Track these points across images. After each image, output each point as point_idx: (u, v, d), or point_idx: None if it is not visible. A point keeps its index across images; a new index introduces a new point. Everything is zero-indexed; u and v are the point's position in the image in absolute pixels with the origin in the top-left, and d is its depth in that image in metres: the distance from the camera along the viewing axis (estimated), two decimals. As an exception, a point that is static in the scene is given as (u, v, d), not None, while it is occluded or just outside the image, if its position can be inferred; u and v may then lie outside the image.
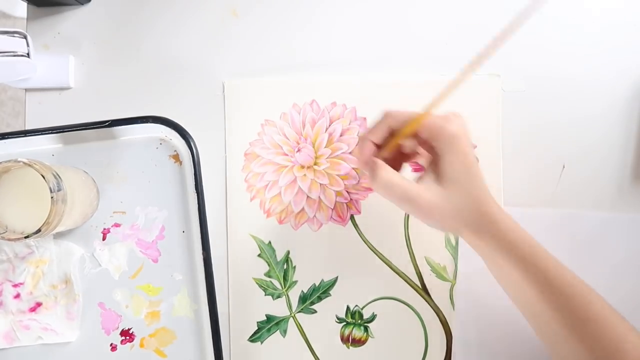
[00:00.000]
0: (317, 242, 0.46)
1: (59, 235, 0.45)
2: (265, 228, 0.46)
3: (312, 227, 0.46)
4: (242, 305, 0.45)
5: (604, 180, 0.45)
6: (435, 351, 0.45)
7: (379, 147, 0.38)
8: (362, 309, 0.45)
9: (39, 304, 0.45)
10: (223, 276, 0.45)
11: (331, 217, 0.46)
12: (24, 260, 0.45)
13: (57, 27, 0.48)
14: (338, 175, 0.46)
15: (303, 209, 0.46)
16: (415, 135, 0.37)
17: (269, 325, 0.45)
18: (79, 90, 0.47)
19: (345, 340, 0.45)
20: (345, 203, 0.46)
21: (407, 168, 0.42)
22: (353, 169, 0.46)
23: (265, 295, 0.45)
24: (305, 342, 0.45)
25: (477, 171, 0.35)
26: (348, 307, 0.45)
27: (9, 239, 0.37)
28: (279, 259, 0.46)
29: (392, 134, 0.37)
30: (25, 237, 0.36)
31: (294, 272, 0.46)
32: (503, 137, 0.45)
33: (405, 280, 0.45)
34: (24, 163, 0.36)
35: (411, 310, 0.45)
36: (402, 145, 0.38)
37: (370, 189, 0.46)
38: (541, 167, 0.45)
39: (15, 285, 0.45)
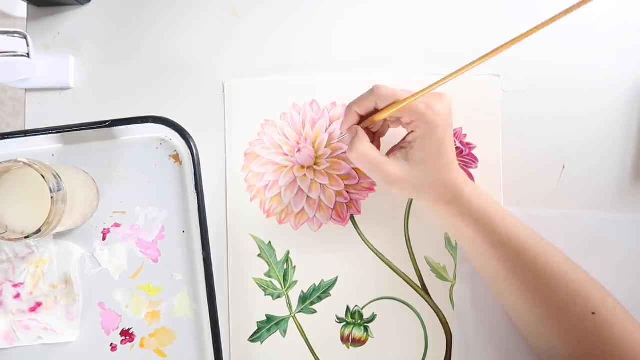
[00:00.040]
0: (317, 242, 0.46)
1: (59, 235, 0.45)
2: (265, 228, 0.46)
3: (312, 227, 0.46)
4: (242, 305, 0.45)
5: (604, 180, 0.45)
6: (435, 351, 0.45)
7: (364, 117, 0.40)
8: (362, 309, 0.45)
9: (39, 304, 0.45)
10: (223, 276, 0.45)
11: (331, 217, 0.46)
12: (24, 260, 0.45)
13: (57, 27, 0.48)
14: (338, 175, 0.46)
15: (303, 209, 0.46)
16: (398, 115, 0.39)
17: (269, 325, 0.45)
18: (79, 90, 0.47)
19: (345, 340, 0.45)
20: (345, 203, 0.46)
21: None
22: (353, 168, 0.46)
23: (265, 295, 0.45)
24: (305, 342, 0.45)
25: (448, 156, 0.38)
26: (348, 307, 0.45)
27: (9, 239, 0.37)
28: (279, 259, 0.46)
29: (377, 109, 0.39)
30: (25, 237, 0.36)
31: (294, 272, 0.46)
32: (503, 137, 0.45)
33: (405, 280, 0.45)
34: (24, 163, 0.36)
35: (411, 310, 0.45)
36: (385, 120, 0.40)
37: (371, 189, 0.46)
38: (541, 167, 0.45)
39: (15, 285, 0.45)
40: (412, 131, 0.39)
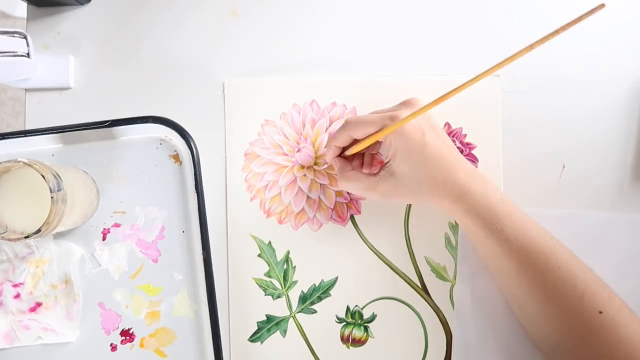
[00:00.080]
0: (317, 242, 0.46)
1: (59, 235, 0.45)
2: (265, 228, 0.46)
3: (312, 227, 0.46)
4: (242, 305, 0.45)
5: (604, 180, 0.45)
6: (435, 351, 0.45)
7: (346, 147, 0.42)
8: (362, 309, 0.45)
9: (39, 304, 0.45)
10: (223, 276, 0.45)
11: (331, 217, 0.46)
12: (24, 260, 0.45)
13: (57, 27, 0.48)
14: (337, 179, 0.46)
15: (303, 209, 0.46)
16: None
17: (269, 325, 0.45)
18: (79, 90, 0.47)
19: (345, 340, 0.45)
20: (345, 203, 0.46)
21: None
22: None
23: (265, 295, 0.45)
24: (305, 342, 0.45)
25: (439, 157, 0.38)
26: (348, 307, 0.45)
27: (9, 239, 0.37)
28: (279, 259, 0.46)
29: (355, 138, 0.41)
30: (25, 237, 0.36)
31: (294, 272, 0.46)
32: (503, 137, 0.45)
33: (405, 280, 0.45)
34: (24, 163, 0.36)
35: (411, 310, 0.45)
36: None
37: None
38: (541, 167, 0.45)
39: (15, 285, 0.45)
40: (391, 146, 0.39)
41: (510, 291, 0.40)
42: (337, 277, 0.45)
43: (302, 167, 0.46)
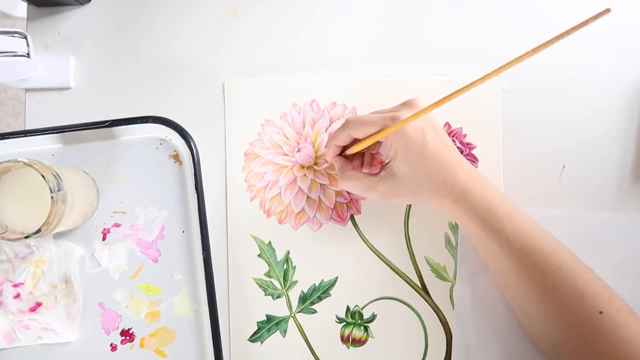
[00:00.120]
0: (317, 242, 0.46)
1: (59, 235, 0.45)
2: (265, 228, 0.46)
3: (312, 227, 0.46)
4: (242, 305, 0.45)
5: (604, 180, 0.45)
6: (435, 351, 0.45)
7: (346, 147, 0.42)
8: (362, 309, 0.45)
9: (39, 304, 0.45)
10: (223, 276, 0.45)
11: (331, 217, 0.46)
12: (24, 260, 0.45)
13: (57, 27, 0.48)
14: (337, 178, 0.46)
15: (303, 209, 0.46)
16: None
17: (269, 325, 0.45)
18: (79, 90, 0.47)
19: (345, 340, 0.45)
20: (345, 203, 0.46)
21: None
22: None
23: (265, 295, 0.45)
24: (305, 342, 0.45)
25: (439, 157, 0.38)
26: (348, 307, 0.45)
27: (9, 239, 0.37)
28: (279, 259, 0.46)
29: (356, 138, 0.41)
30: (25, 237, 0.36)
31: (294, 272, 0.46)
32: (503, 137, 0.45)
33: (405, 280, 0.45)
34: (24, 163, 0.36)
35: (411, 310, 0.45)
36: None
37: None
38: (541, 167, 0.45)
39: (15, 285, 0.45)
40: (391, 146, 0.39)
41: (511, 291, 0.40)
42: (337, 277, 0.45)
43: (302, 167, 0.46)
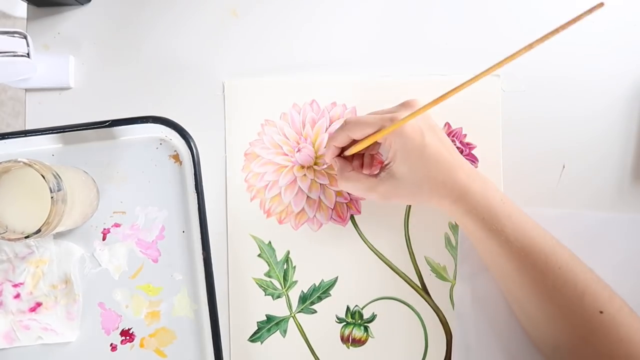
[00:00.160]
0: (317, 242, 0.46)
1: (59, 235, 0.45)
2: (265, 228, 0.46)
3: (312, 227, 0.46)
4: (242, 305, 0.45)
5: (604, 180, 0.45)
6: (435, 351, 0.45)
7: (345, 148, 0.42)
8: (362, 309, 0.45)
9: (39, 304, 0.45)
10: (223, 276, 0.45)
11: (331, 217, 0.46)
12: (24, 260, 0.45)
13: (57, 27, 0.48)
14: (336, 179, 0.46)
15: (303, 209, 0.46)
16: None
17: (269, 325, 0.45)
18: (79, 90, 0.47)
19: (345, 340, 0.45)
20: (345, 203, 0.46)
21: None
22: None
23: (265, 295, 0.45)
24: (305, 342, 0.45)
25: (438, 158, 0.38)
26: (348, 307, 0.45)
27: (9, 239, 0.37)
28: (279, 259, 0.46)
29: (354, 139, 0.41)
30: (25, 237, 0.36)
31: (294, 272, 0.46)
32: (503, 137, 0.45)
33: (405, 280, 0.45)
34: (24, 163, 0.36)
35: (411, 310, 0.45)
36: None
37: (370, 189, 0.46)
38: (541, 167, 0.45)
39: (15, 285, 0.45)
40: (390, 147, 0.39)
41: (511, 292, 0.40)
42: (337, 277, 0.45)
43: (302, 167, 0.46)
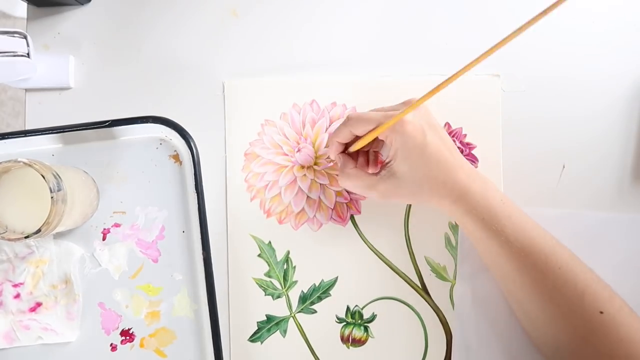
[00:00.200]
0: (317, 242, 0.46)
1: (59, 235, 0.45)
2: (265, 228, 0.46)
3: (312, 227, 0.46)
4: (242, 305, 0.45)
5: (604, 180, 0.45)
6: (435, 351, 0.45)
7: (349, 143, 0.42)
8: (362, 309, 0.45)
9: (39, 304, 0.45)
10: (223, 276, 0.45)
11: (331, 217, 0.46)
12: (24, 260, 0.45)
13: (57, 27, 0.48)
14: (338, 175, 0.46)
15: (303, 209, 0.46)
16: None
17: (269, 325, 0.45)
18: (79, 90, 0.47)
19: (345, 340, 0.45)
20: (345, 203, 0.46)
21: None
22: (353, 169, 0.46)
23: (265, 295, 0.45)
24: (305, 342, 0.45)
25: (439, 157, 0.38)
26: (348, 307, 0.45)
27: (9, 239, 0.37)
28: (279, 259, 0.46)
29: (357, 135, 0.41)
30: (25, 237, 0.36)
31: (294, 272, 0.46)
32: (503, 137, 0.45)
33: (405, 280, 0.45)
34: (24, 163, 0.36)
35: (411, 310, 0.45)
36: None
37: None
38: (541, 167, 0.45)
39: (15, 285, 0.45)
40: (392, 145, 0.39)
41: (511, 292, 0.40)
42: (337, 277, 0.45)
43: (302, 167, 0.46)
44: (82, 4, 0.47)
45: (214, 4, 0.47)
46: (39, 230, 0.36)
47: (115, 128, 0.44)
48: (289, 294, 0.45)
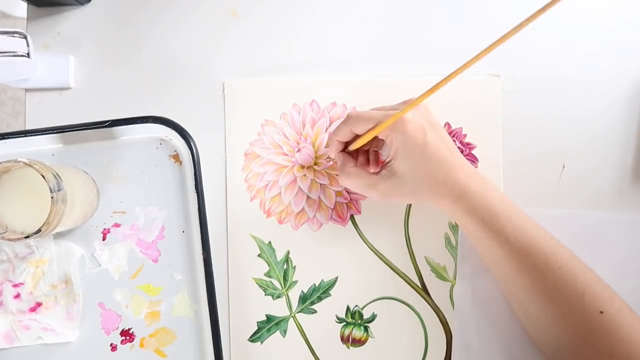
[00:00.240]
0: (317, 242, 0.46)
1: (59, 235, 0.45)
2: (265, 228, 0.46)
3: (312, 227, 0.46)
4: (242, 305, 0.45)
5: (604, 180, 0.45)
6: (435, 351, 0.45)
7: (349, 142, 0.42)
8: (362, 309, 0.45)
9: (39, 304, 0.45)
10: (223, 276, 0.45)
11: (331, 217, 0.46)
12: (24, 260, 0.45)
13: (57, 27, 0.48)
14: (338, 175, 0.46)
15: (303, 209, 0.46)
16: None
17: (269, 325, 0.45)
18: (79, 90, 0.47)
19: (345, 340, 0.45)
20: (345, 203, 0.46)
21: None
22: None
23: (265, 295, 0.45)
24: (305, 342, 0.45)
25: (440, 157, 0.38)
26: (348, 307, 0.45)
27: (9, 239, 0.37)
28: (279, 259, 0.46)
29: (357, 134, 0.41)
30: (25, 237, 0.36)
31: (294, 272, 0.46)
32: (503, 137, 0.45)
33: (405, 280, 0.45)
34: (24, 163, 0.36)
35: (411, 310, 0.45)
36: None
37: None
38: (541, 167, 0.45)
39: (15, 285, 0.45)
40: (392, 144, 0.39)
41: (512, 292, 0.40)
42: (337, 277, 0.45)
43: (302, 167, 0.46)
44: (82, 4, 0.47)
45: (214, 4, 0.47)
46: (39, 230, 0.36)
47: (115, 128, 0.44)
48: (289, 294, 0.45)
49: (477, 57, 0.33)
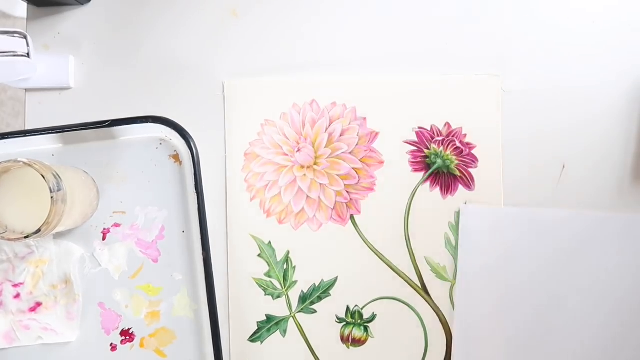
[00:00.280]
0: (317, 242, 0.46)
1: (59, 235, 0.45)
2: (265, 228, 0.46)
3: (312, 227, 0.46)
4: (242, 305, 0.45)
5: (604, 181, 0.45)
6: (435, 351, 0.45)
7: None
8: (362, 309, 0.45)
9: (39, 304, 0.45)
10: (223, 276, 0.45)
11: (331, 217, 0.46)
12: (24, 260, 0.45)
13: (57, 27, 0.48)
14: (338, 175, 0.46)
15: (303, 209, 0.46)
16: None
17: (269, 325, 0.45)
18: (79, 90, 0.47)
19: (345, 340, 0.45)
20: (345, 203, 0.46)
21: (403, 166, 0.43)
22: (353, 168, 0.46)
23: (265, 295, 0.45)
24: (305, 342, 0.45)
25: None
26: (348, 307, 0.45)
27: (9, 239, 0.37)
28: (279, 259, 0.46)
29: None
30: (25, 237, 0.36)
31: (294, 272, 0.46)
32: (503, 137, 0.45)
33: (405, 280, 0.45)
34: (24, 163, 0.36)
35: (411, 310, 0.45)
36: None
37: (370, 189, 0.46)
38: (541, 167, 0.45)
39: (15, 285, 0.45)
40: None
41: None
42: (337, 277, 0.45)
43: (302, 167, 0.46)
44: (82, 4, 0.47)
45: (213, 4, 0.47)
46: (39, 230, 0.36)
47: (115, 128, 0.44)
48: (289, 294, 0.45)
49: None
